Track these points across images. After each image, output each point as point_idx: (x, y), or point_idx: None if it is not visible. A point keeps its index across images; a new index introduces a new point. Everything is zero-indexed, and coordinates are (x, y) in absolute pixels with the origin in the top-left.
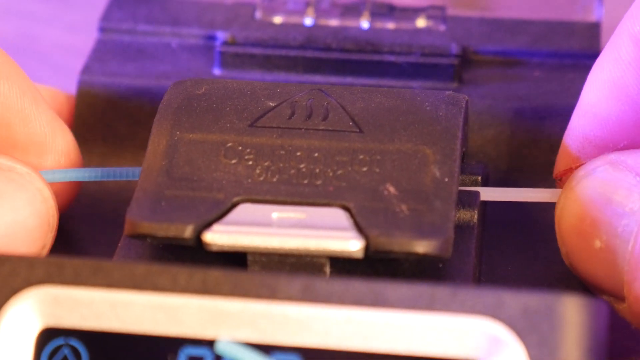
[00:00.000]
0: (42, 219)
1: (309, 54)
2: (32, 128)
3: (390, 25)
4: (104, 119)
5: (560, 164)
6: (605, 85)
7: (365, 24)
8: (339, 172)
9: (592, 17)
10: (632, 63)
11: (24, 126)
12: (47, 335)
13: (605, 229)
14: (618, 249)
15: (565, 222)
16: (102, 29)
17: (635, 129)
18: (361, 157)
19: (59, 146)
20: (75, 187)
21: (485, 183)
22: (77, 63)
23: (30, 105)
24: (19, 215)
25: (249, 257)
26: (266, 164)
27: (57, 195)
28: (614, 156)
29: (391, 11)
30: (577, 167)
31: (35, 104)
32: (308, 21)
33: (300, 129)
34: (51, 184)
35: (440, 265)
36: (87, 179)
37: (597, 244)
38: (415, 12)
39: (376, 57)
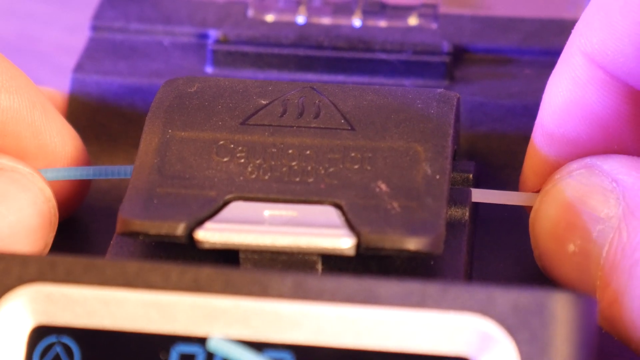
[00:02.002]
0: (44, 219)
1: (301, 52)
2: (42, 140)
3: (382, 23)
4: (97, 117)
5: (528, 182)
6: (570, 107)
7: (357, 22)
8: (331, 169)
9: None
10: (591, 82)
11: (34, 138)
12: (39, 333)
13: (580, 233)
14: (592, 254)
15: (540, 224)
16: (94, 28)
17: (605, 144)
18: (353, 154)
19: (68, 154)
20: (82, 190)
21: (477, 181)
22: None
23: (40, 116)
24: (22, 215)
25: (241, 255)
26: (258, 161)
27: (66, 196)
28: (589, 160)
29: (383, 9)
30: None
31: (45, 114)
32: (300, 19)
33: (292, 126)
34: (58, 189)
35: (432, 262)
36: (79, 177)
37: (571, 247)
38: (407, 10)
39: (368, 55)
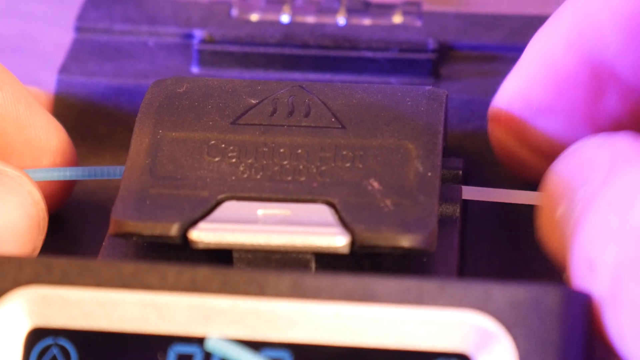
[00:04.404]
0: (32, 222)
1: (287, 51)
2: (27, 134)
3: (367, 21)
4: (83, 118)
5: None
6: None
7: (341, 20)
8: (323, 168)
9: None
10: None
11: (19, 133)
12: (36, 335)
13: (565, 200)
14: (570, 220)
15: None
16: (78, 29)
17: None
18: (344, 152)
19: (53, 147)
20: (68, 188)
21: (465, 178)
22: None
23: (24, 112)
24: (11, 218)
25: (235, 254)
26: (250, 161)
27: (49, 196)
28: (597, 139)
29: (367, 7)
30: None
31: (30, 109)
32: (285, 18)
33: (283, 125)
34: (44, 186)
35: (424, 259)
36: (69, 178)
37: (557, 214)
38: (390, 8)
39: (354, 54)
